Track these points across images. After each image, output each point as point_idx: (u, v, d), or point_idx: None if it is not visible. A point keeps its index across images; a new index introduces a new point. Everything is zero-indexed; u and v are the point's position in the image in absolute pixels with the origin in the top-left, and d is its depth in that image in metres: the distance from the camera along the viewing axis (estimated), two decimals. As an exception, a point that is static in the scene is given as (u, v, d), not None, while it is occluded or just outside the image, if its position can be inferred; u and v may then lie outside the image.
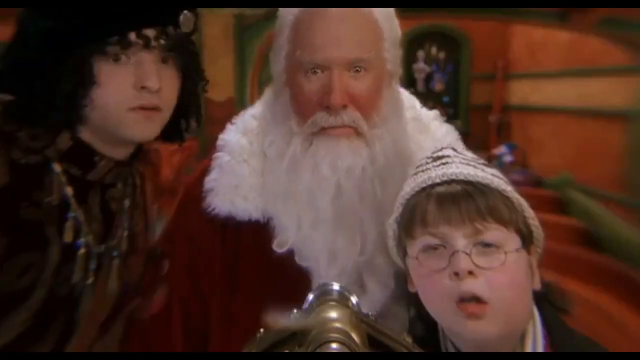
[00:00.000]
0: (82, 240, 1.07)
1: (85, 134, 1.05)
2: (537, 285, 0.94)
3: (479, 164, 0.95)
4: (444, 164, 0.94)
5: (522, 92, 7.23)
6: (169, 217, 1.25)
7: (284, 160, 1.10)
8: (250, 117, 1.22)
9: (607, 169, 4.92)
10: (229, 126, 1.22)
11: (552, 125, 6.21)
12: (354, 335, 0.76)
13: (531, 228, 0.94)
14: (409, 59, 7.73)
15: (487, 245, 0.88)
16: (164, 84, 1.03)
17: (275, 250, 1.10)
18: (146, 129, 1.05)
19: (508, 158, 6.65)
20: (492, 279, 0.86)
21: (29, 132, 1.00)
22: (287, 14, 1.09)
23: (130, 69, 1.00)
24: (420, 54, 7.93)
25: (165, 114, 1.07)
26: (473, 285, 0.85)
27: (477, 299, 0.85)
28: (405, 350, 0.80)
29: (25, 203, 1.00)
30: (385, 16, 1.10)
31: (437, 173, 0.92)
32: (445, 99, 7.96)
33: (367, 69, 1.06)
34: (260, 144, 1.17)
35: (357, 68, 1.05)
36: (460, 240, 0.87)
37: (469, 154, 0.99)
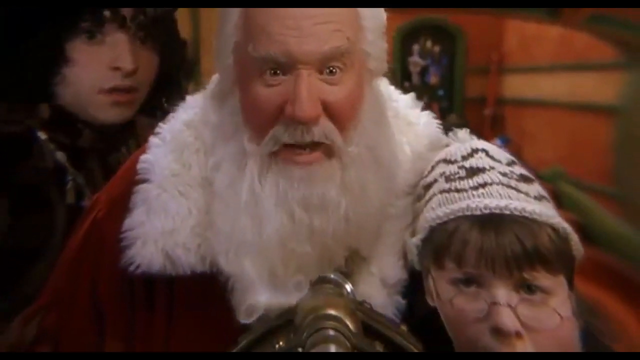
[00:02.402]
0: (86, 203, 1.08)
1: (65, 103, 1.05)
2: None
3: (519, 179, 0.81)
4: (483, 186, 0.79)
5: (516, 85, 7.24)
6: (58, 271, 0.92)
7: (240, 194, 0.82)
8: (183, 126, 0.90)
9: (597, 162, 4.95)
10: (152, 140, 0.90)
11: (545, 119, 6.23)
12: (349, 323, 0.76)
13: (574, 254, 0.82)
14: (404, 53, 7.71)
15: (532, 291, 0.75)
16: (141, 65, 1.01)
17: (231, 311, 0.83)
18: (116, 113, 1.05)
19: (501, 151, 6.66)
20: (543, 341, 0.73)
21: (4, 105, 1.00)
22: None
23: (105, 49, 0.99)
24: (415, 47, 7.91)
25: (142, 93, 1.06)
26: (517, 347, 0.72)
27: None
28: (400, 338, 0.81)
29: (16, 167, 1.02)
30: None
31: (477, 204, 0.77)
32: (440, 92, 7.94)
33: (345, 68, 0.80)
34: (201, 166, 0.87)
35: (332, 68, 0.79)
36: (501, 290, 0.74)
37: (504, 160, 0.84)
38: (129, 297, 0.88)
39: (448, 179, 0.83)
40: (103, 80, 1.00)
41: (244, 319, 0.82)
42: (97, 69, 0.99)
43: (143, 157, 0.90)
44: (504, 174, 0.81)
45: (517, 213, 0.76)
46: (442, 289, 0.80)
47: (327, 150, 0.82)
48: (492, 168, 0.81)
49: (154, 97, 1.11)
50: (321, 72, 0.79)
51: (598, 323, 0.85)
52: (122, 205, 0.87)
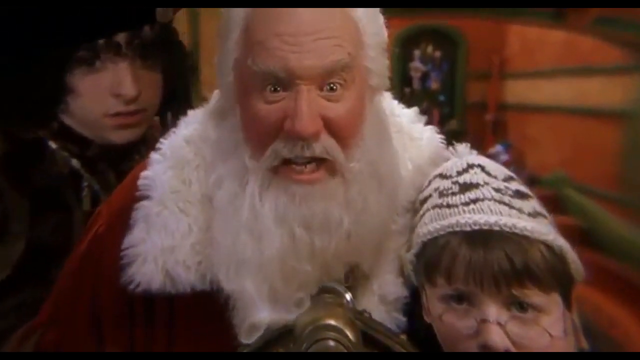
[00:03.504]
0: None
1: (71, 123, 1.06)
2: (584, 345, 0.81)
3: (514, 195, 0.80)
4: (474, 201, 0.79)
5: (517, 90, 7.24)
6: (59, 287, 0.92)
7: (240, 211, 0.81)
8: (183, 142, 0.90)
9: (601, 167, 4.93)
10: (153, 155, 0.90)
11: (548, 124, 6.23)
12: (348, 332, 0.76)
13: (572, 273, 0.80)
14: (405, 58, 7.73)
15: (524, 308, 0.74)
16: (144, 87, 1.02)
17: (231, 329, 0.82)
18: (126, 133, 1.06)
19: (503, 157, 6.65)
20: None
21: (15, 118, 1.01)
22: (237, 8, 0.81)
23: (105, 76, 0.99)
24: (416, 52, 7.92)
25: (150, 112, 1.07)
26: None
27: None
28: (400, 347, 0.81)
29: (32, 171, 1.04)
30: (369, 16, 0.83)
31: (467, 220, 0.77)
32: (441, 97, 7.95)
33: (345, 85, 0.79)
34: (201, 183, 0.87)
35: (332, 85, 0.78)
36: (491, 307, 0.74)
37: (501, 176, 0.83)
38: (128, 314, 0.87)
39: (441, 194, 0.83)
40: (106, 107, 1.01)
41: (245, 338, 0.81)
42: (99, 96, 1.00)
43: (144, 173, 0.89)
44: (498, 190, 0.80)
45: (507, 229, 0.75)
46: (433, 305, 0.80)
47: (329, 168, 0.81)
48: (486, 184, 0.81)
49: (164, 105, 1.12)
50: (321, 89, 0.78)
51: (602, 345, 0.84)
52: (122, 221, 0.87)
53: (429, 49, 7.96)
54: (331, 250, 0.82)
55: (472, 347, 0.75)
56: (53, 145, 1.06)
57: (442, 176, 0.86)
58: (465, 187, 0.81)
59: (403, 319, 0.90)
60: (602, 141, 4.99)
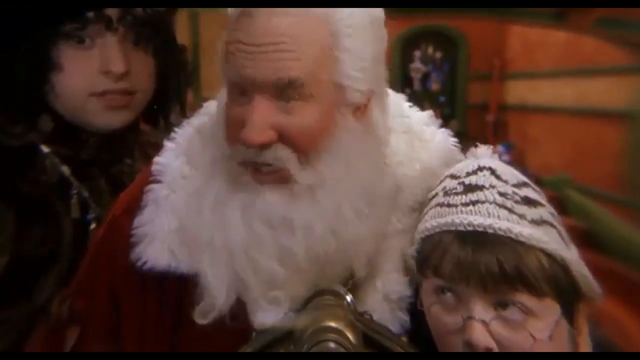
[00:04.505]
0: (92, 216, 1.07)
1: (59, 111, 1.02)
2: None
3: (520, 201, 0.79)
4: (474, 203, 0.78)
5: (519, 91, 7.24)
6: (85, 261, 0.98)
7: (207, 197, 0.86)
8: (194, 132, 0.95)
9: (603, 168, 4.93)
10: (167, 144, 0.96)
11: (549, 125, 6.23)
12: (349, 334, 0.76)
13: (579, 285, 0.78)
14: (405, 59, 7.73)
15: (511, 309, 0.74)
16: (134, 67, 0.99)
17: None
18: (111, 116, 1.02)
19: (504, 158, 6.65)
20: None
21: (7, 116, 0.98)
22: (232, 10, 0.82)
23: (95, 53, 0.96)
24: (417, 53, 7.93)
25: (141, 97, 1.04)
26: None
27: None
28: (400, 349, 0.80)
29: (19, 180, 1.01)
30: (350, 32, 0.80)
31: (462, 220, 0.77)
32: (442, 98, 7.95)
33: (305, 98, 0.78)
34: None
35: (288, 97, 0.78)
36: (478, 305, 0.74)
37: (512, 181, 0.81)
38: (141, 292, 0.91)
39: (446, 193, 0.83)
40: (94, 85, 0.98)
41: (199, 319, 0.84)
42: (87, 74, 0.96)
43: (157, 159, 0.95)
44: (503, 194, 0.79)
45: (501, 233, 0.75)
46: (425, 297, 0.82)
47: (284, 175, 0.82)
48: (492, 187, 0.80)
49: (155, 102, 1.10)
50: (276, 99, 0.78)
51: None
52: (136, 204, 0.92)
53: (430, 49, 7.96)
54: (312, 255, 0.82)
55: (457, 342, 0.75)
56: (45, 149, 1.04)
57: (452, 176, 0.86)
58: (469, 188, 0.81)
59: (407, 318, 0.90)
60: (604, 142, 4.99)
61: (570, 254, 0.79)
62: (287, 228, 0.82)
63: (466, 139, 0.99)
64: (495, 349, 0.73)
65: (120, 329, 0.93)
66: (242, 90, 0.79)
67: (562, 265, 0.77)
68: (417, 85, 7.92)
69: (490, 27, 7.16)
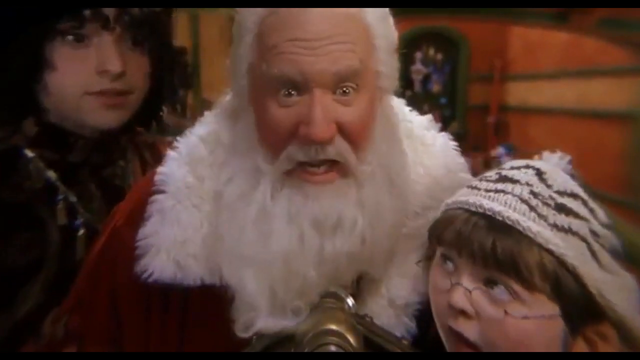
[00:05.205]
0: (80, 221, 1.05)
1: (52, 117, 1.01)
2: None
3: (552, 206, 0.78)
4: (497, 191, 0.79)
5: (520, 92, 7.23)
6: (83, 273, 0.96)
7: (249, 208, 0.83)
8: (198, 141, 0.93)
9: (605, 169, 4.92)
10: (169, 153, 0.94)
11: (550, 126, 6.22)
12: (350, 337, 0.76)
13: (599, 304, 0.76)
14: (406, 61, 7.73)
15: (497, 286, 0.76)
16: (130, 67, 0.98)
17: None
18: (107, 116, 1.00)
19: (505, 159, 6.66)
20: (489, 332, 0.76)
21: None
22: (249, 14, 0.82)
23: (91, 52, 0.95)
24: (418, 55, 7.92)
25: (135, 98, 1.03)
26: (464, 327, 0.78)
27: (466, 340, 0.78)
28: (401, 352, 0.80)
29: (2, 187, 0.98)
30: (379, 19, 0.85)
31: (475, 201, 0.79)
32: (443, 100, 7.95)
33: (358, 88, 0.81)
34: (214, 180, 0.89)
35: (345, 88, 0.79)
36: (466, 275, 0.78)
37: (557, 187, 0.80)
38: (145, 305, 0.90)
39: (481, 179, 0.85)
40: (90, 85, 0.96)
41: (241, 333, 0.82)
42: (82, 73, 0.95)
43: (160, 169, 0.93)
44: (536, 194, 0.78)
45: (509, 223, 0.76)
46: (433, 265, 0.85)
47: (342, 170, 0.83)
48: (528, 185, 0.80)
49: (149, 104, 1.09)
50: (334, 92, 0.80)
51: None
52: (139, 214, 0.90)
53: (431, 51, 7.96)
54: (343, 255, 0.82)
55: (444, 302, 0.80)
56: (29, 154, 1.01)
57: (499, 168, 0.87)
58: (503, 179, 0.82)
59: (412, 324, 0.90)
60: (606, 143, 4.98)
61: (593, 272, 0.77)
62: (336, 229, 0.82)
63: (467, 141, 0.99)
64: (472, 313, 0.77)
65: (121, 340, 0.91)
66: (294, 89, 0.78)
67: (573, 274, 0.75)
68: (417, 86, 7.91)
69: (491, 28, 7.15)
